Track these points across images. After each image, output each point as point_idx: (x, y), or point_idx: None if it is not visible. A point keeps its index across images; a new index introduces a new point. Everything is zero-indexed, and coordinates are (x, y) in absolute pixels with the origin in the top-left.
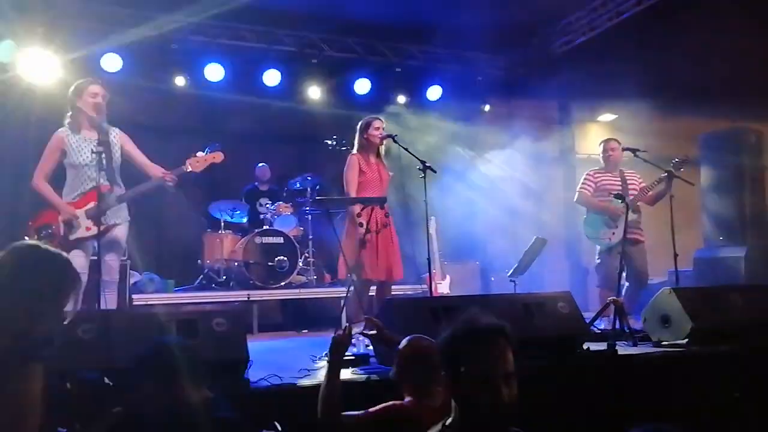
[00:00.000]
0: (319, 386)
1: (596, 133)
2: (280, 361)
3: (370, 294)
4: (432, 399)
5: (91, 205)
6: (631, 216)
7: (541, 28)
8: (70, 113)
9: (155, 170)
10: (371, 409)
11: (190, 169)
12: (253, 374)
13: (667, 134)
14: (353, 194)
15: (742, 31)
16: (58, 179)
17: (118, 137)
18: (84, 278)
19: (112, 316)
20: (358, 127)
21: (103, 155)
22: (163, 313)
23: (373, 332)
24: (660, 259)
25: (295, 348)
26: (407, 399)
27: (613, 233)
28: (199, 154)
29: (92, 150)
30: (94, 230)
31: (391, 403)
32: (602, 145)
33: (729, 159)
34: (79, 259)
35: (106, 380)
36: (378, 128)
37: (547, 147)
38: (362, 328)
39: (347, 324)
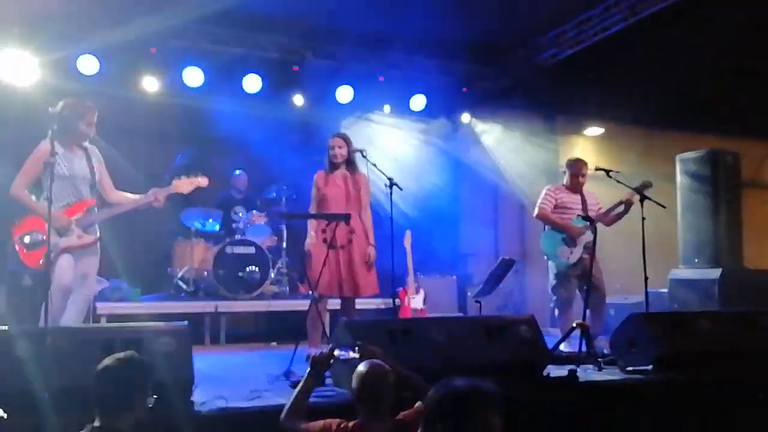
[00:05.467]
0: (265, 410)
1: (583, 146)
2: (235, 378)
3: (330, 309)
4: (381, 422)
5: (79, 215)
6: (590, 236)
7: (528, 41)
8: (64, 127)
9: (116, 196)
10: (317, 423)
11: (175, 190)
12: (204, 393)
13: (655, 150)
14: (312, 210)
15: (725, 49)
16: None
17: (97, 155)
18: (68, 283)
19: (51, 333)
20: None
21: (62, 167)
22: (107, 330)
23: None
24: (637, 279)
25: (258, 363)
26: (357, 419)
27: (572, 252)
28: (183, 178)
29: (45, 162)
30: (85, 240)
31: (333, 420)
32: (572, 166)
33: (705, 180)
34: (66, 266)
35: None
36: (333, 147)
37: (532, 160)
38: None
39: (331, 345)
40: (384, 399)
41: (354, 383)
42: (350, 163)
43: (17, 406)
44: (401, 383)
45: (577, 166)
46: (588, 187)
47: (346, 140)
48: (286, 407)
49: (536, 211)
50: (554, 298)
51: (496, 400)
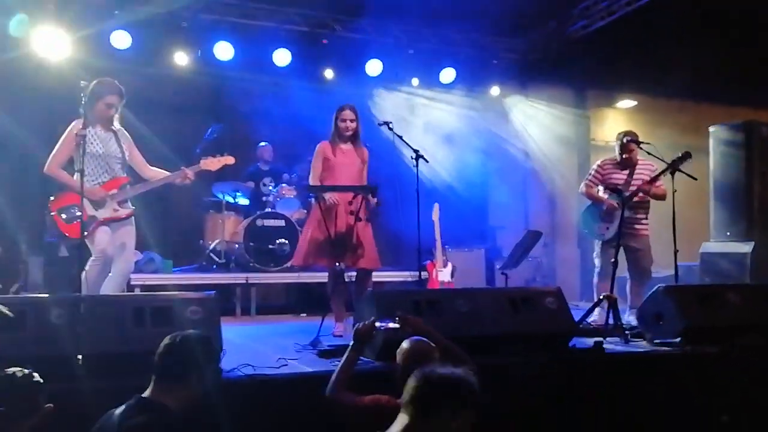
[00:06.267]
0: (291, 378)
1: (614, 119)
2: (264, 348)
3: (348, 281)
4: None
5: (114, 191)
6: (627, 212)
7: (558, 12)
8: (88, 103)
9: (151, 172)
10: (367, 397)
11: (204, 168)
12: (232, 361)
13: (688, 122)
14: (314, 182)
15: (760, 19)
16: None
17: (126, 137)
18: (105, 247)
19: (84, 301)
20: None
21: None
22: (138, 299)
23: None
24: (668, 252)
25: (287, 333)
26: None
27: (607, 228)
28: (210, 157)
29: (76, 133)
30: (121, 212)
31: (383, 397)
32: (621, 140)
33: (739, 152)
34: (104, 236)
35: (36, 377)
36: (344, 120)
37: (562, 133)
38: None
39: (373, 317)
40: None
41: (398, 360)
42: (356, 137)
43: (53, 372)
44: (442, 354)
45: (622, 142)
46: None
47: (356, 112)
48: (332, 380)
49: (581, 187)
50: (596, 265)
51: (473, 394)
